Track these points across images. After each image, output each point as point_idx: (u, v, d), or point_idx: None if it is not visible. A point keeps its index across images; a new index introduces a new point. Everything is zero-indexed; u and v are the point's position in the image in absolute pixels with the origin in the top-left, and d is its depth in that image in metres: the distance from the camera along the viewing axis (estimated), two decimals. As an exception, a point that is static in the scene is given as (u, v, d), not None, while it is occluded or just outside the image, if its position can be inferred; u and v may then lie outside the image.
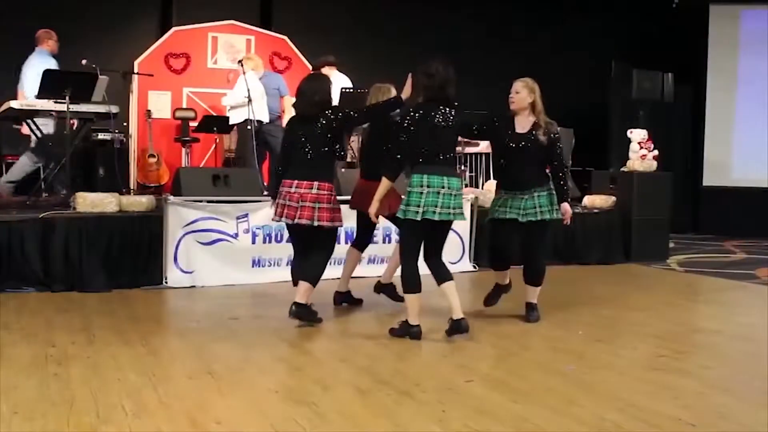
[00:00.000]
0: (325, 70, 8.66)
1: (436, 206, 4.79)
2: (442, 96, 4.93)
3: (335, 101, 8.38)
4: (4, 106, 7.49)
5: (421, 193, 4.79)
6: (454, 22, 11.91)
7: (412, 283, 4.91)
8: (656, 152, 9.42)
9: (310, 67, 10.13)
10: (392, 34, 11.40)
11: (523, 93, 5.35)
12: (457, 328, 4.91)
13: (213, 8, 10.24)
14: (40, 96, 7.32)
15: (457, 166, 9.82)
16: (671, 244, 9.71)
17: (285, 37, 10.45)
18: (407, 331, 4.93)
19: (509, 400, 3.75)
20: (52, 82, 7.13)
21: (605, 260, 8.83)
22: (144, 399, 3.64)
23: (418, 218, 4.78)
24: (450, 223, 5.01)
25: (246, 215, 6.93)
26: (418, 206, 4.78)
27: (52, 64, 8.00)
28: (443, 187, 4.82)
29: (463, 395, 3.82)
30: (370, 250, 6.84)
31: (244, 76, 8.51)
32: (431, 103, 4.93)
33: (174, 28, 9.93)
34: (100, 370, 4.09)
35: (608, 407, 3.67)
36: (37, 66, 7.86)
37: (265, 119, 8.74)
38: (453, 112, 4.96)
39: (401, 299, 5.55)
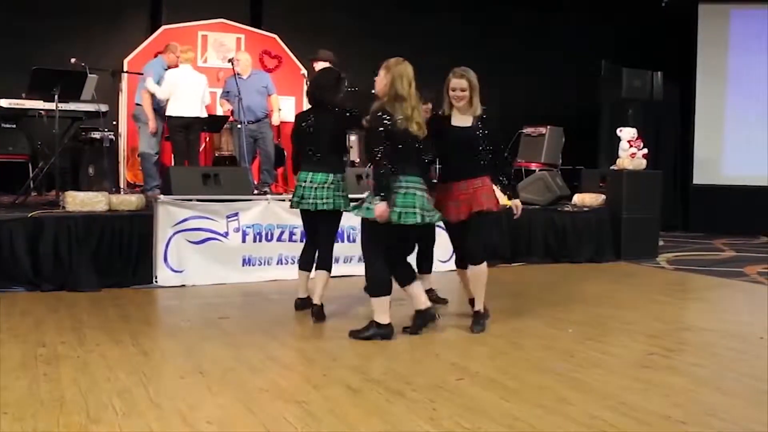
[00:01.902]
0: (318, 66, 8.60)
1: (301, 197, 5.42)
2: (321, 101, 5.44)
3: None
4: None
5: (298, 187, 5.47)
6: (445, 21, 11.92)
7: (301, 262, 5.72)
8: (646, 151, 9.45)
9: (300, 65, 10.13)
10: (383, 33, 11.37)
11: (380, 74, 5.03)
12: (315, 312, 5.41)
13: (203, 7, 10.20)
14: (29, 95, 7.30)
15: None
16: (661, 242, 9.75)
17: (275, 36, 10.43)
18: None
19: (500, 399, 3.76)
20: (42, 80, 7.10)
21: (595, 258, 8.86)
22: (134, 398, 3.63)
23: (296, 207, 5.51)
24: (327, 213, 5.39)
25: (236, 214, 6.92)
26: (297, 198, 5.46)
27: (159, 71, 8.29)
28: (305, 181, 5.41)
29: (454, 393, 3.82)
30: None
31: (173, 71, 8.34)
32: (313, 108, 5.53)
33: (164, 27, 9.89)
34: (91, 370, 4.08)
35: (599, 405, 3.68)
36: (147, 69, 8.42)
37: (191, 114, 8.30)
38: (336, 115, 5.42)
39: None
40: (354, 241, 7.21)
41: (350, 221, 6.85)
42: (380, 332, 4.90)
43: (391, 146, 4.81)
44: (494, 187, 5.29)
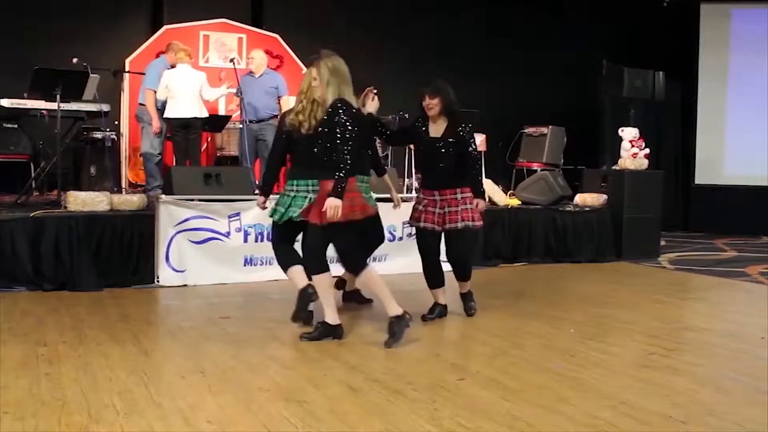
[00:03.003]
0: None
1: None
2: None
3: None
4: None
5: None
6: (446, 20, 11.92)
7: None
8: (647, 150, 9.46)
9: (301, 65, 10.12)
10: (384, 33, 11.41)
11: None
12: None
13: (204, 6, 10.21)
14: (31, 95, 7.31)
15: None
16: (662, 242, 9.75)
17: (277, 36, 10.43)
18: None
19: (501, 399, 3.76)
20: (43, 80, 7.10)
21: (596, 258, 8.87)
22: (135, 398, 3.64)
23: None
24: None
25: (238, 214, 6.93)
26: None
27: (161, 70, 8.24)
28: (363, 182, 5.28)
29: (455, 393, 3.83)
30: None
31: (170, 70, 8.25)
32: None
33: (165, 27, 9.89)
34: (92, 370, 4.08)
35: (599, 405, 3.68)
36: (149, 69, 8.43)
37: (189, 115, 8.13)
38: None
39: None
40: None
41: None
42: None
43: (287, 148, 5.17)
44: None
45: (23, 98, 7.78)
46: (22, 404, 3.50)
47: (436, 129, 5.36)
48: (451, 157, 5.32)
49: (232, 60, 8.85)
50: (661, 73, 11.28)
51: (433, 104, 5.29)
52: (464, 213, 5.31)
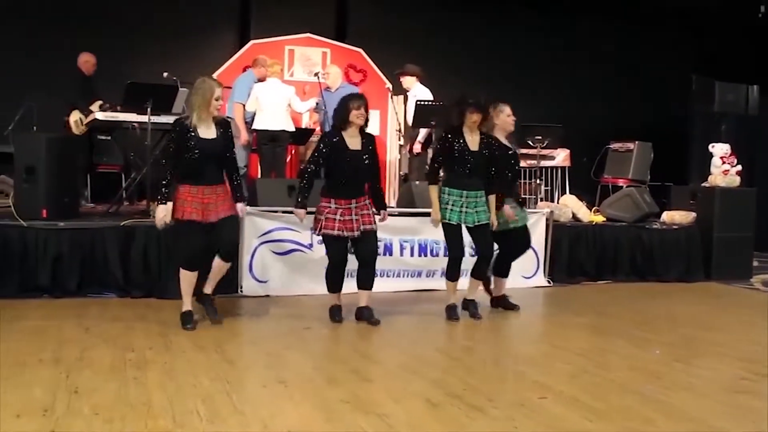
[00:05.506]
0: (405, 81, 8.68)
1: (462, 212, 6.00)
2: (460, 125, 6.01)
3: (410, 113, 8.41)
4: (90, 117, 7.78)
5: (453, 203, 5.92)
6: (533, 35, 11.83)
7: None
8: (739, 167, 9.15)
9: (385, 79, 10.19)
10: (468, 46, 11.38)
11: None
12: None
13: (289, 21, 10.38)
14: (124, 108, 7.56)
15: (530, 180, 9.76)
16: (755, 263, 9.39)
17: (360, 50, 10.52)
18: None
19: (583, 419, 3.67)
20: (135, 94, 7.34)
21: (684, 278, 8.61)
22: (218, 405, 3.70)
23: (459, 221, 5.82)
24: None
25: (320, 226, 6.98)
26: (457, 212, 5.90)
27: (249, 84, 8.44)
28: (461, 197, 5.91)
29: (536, 412, 3.75)
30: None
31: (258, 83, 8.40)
32: (460, 131, 6.02)
33: (252, 41, 10.10)
34: (177, 376, 4.17)
35: (686, 429, 3.56)
36: (237, 83, 8.59)
37: (278, 128, 8.31)
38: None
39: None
40: (437, 255, 7.18)
41: (433, 235, 6.85)
42: None
43: None
44: None
45: (117, 111, 8.06)
46: (111, 407, 3.60)
47: (355, 142, 5.88)
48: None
49: (316, 74, 8.97)
50: (755, 86, 10.90)
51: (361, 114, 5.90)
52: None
